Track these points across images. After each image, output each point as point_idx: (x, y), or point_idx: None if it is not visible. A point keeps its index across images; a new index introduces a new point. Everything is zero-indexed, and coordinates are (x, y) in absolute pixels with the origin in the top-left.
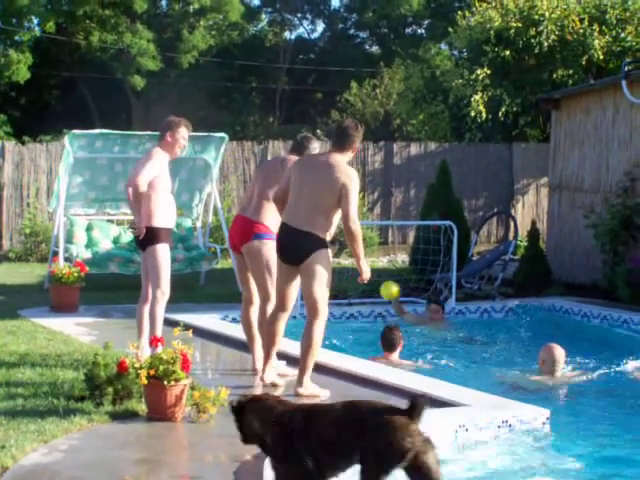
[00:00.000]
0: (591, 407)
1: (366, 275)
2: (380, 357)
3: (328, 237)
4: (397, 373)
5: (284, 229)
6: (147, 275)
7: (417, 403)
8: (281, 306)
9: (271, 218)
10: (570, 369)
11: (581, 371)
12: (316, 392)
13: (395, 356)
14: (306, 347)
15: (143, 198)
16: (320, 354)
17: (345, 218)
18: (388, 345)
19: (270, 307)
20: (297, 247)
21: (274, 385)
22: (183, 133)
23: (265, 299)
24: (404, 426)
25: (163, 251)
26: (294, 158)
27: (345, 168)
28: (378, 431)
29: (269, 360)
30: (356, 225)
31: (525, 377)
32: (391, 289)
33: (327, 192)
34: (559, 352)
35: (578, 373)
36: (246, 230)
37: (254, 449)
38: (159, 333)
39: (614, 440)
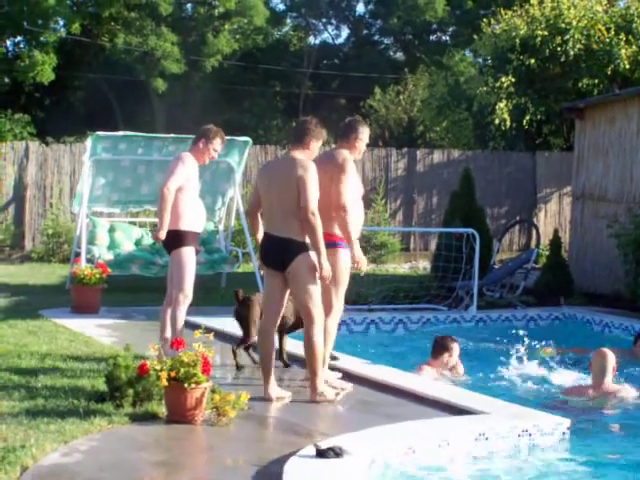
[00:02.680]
0: (613, 419)
1: (326, 273)
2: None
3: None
4: (417, 380)
5: (265, 238)
6: (172, 278)
7: None
8: (271, 319)
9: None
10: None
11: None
12: (331, 397)
13: (439, 364)
14: (310, 354)
15: (172, 201)
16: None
17: (303, 210)
18: (434, 352)
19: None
20: (278, 254)
21: (279, 398)
22: (216, 145)
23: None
24: None
25: (188, 254)
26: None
27: (300, 161)
28: None
29: (270, 375)
30: (315, 218)
31: (568, 393)
32: (546, 352)
33: (290, 192)
34: (609, 358)
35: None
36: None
37: (274, 453)
38: (180, 335)
39: (637, 454)
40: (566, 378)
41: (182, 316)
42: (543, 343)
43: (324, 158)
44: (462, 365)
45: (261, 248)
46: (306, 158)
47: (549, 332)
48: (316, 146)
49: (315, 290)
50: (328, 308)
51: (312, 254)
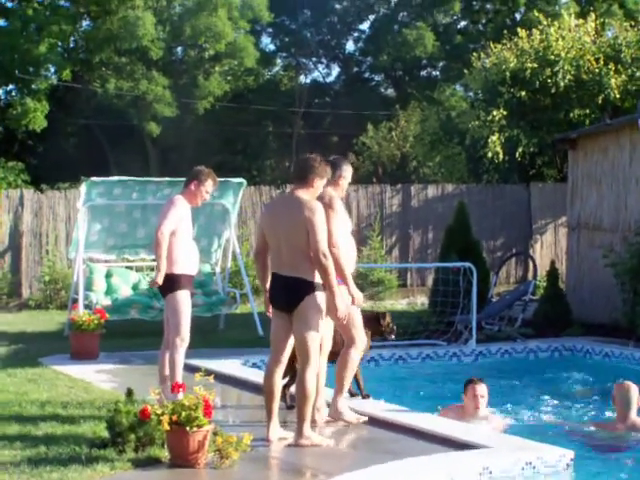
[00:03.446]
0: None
1: (341, 314)
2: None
3: (318, 279)
4: (418, 416)
5: (274, 278)
6: (168, 321)
7: None
8: (277, 359)
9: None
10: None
11: None
12: (317, 441)
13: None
14: (301, 396)
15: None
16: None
17: (314, 253)
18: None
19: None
20: (288, 295)
21: (282, 439)
22: (208, 187)
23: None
24: None
25: (183, 298)
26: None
27: (307, 202)
28: None
29: (273, 417)
30: (327, 259)
31: (595, 425)
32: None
33: (298, 233)
34: (632, 391)
35: None
36: None
37: None
38: (179, 379)
39: None
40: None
41: (181, 359)
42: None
43: None
44: (500, 417)
45: (270, 289)
46: (311, 197)
47: (549, 364)
48: (320, 184)
49: (317, 333)
50: (350, 341)
51: (320, 295)
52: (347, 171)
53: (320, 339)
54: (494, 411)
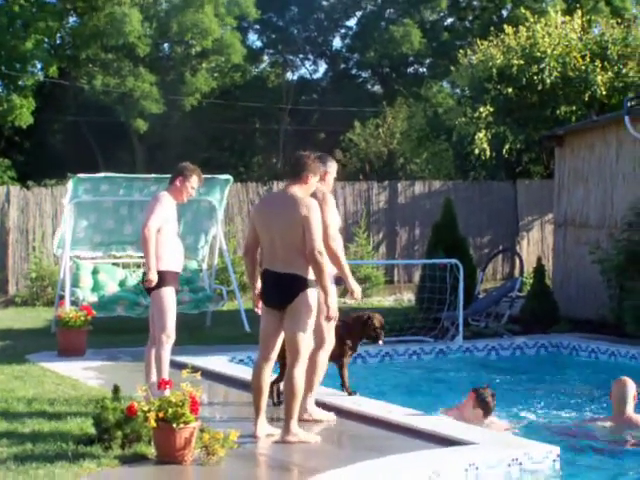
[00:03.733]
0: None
1: (333, 313)
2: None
3: (311, 275)
4: (404, 412)
5: (266, 275)
6: (154, 318)
7: None
8: (266, 356)
9: None
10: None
11: None
12: (304, 438)
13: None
14: (289, 393)
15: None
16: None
17: (310, 251)
18: (486, 409)
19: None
20: (281, 291)
21: (270, 435)
22: (194, 183)
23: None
24: None
25: (168, 295)
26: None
27: (303, 200)
28: None
29: (260, 414)
30: (322, 257)
31: (591, 421)
32: None
33: (294, 230)
34: (629, 386)
35: None
36: None
37: None
38: (166, 376)
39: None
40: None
41: (167, 356)
42: None
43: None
44: (504, 422)
45: (263, 286)
46: (306, 195)
47: (536, 360)
48: (314, 181)
49: (309, 330)
50: (320, 341)
51: (313, 292)
52: (332, 167)
53: (310, 336)
54: (497, 414)
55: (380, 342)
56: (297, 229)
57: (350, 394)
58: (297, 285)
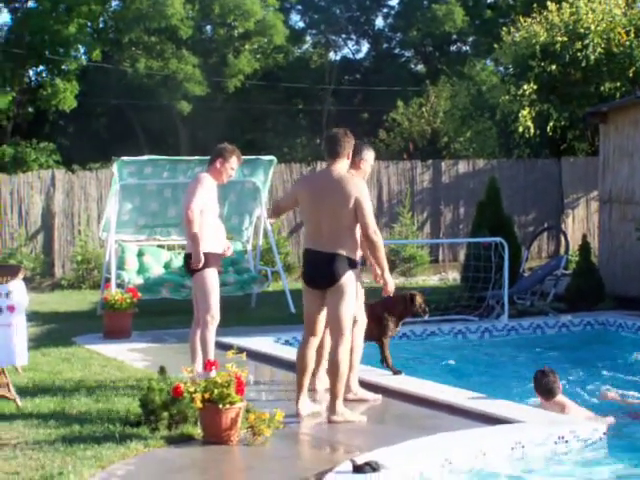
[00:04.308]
0: None
1: (390, 288)
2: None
3: (357, 256)
4: (450, 391)
5: (310, 254)
6: (197, 300)
7: None
8: (312, 333)
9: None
10: None
11: None
12: (350, 418)
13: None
14: (334, 373)
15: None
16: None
17: (365, 230)
18: (546, 392)
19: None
20: (327, 271)
21: (314, 414)
22: (233, 163)
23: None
24: None
25: (211, 276)
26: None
27: (352, 179)
28: None
29: (303, 391)
30: (377, 236)
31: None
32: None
33: (344, 209)
34: None
35: None
36: None
37: (311, 470)
38: (211, 357)
39: None
40: None
41: (212, 337)
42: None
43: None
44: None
45: (306, 266)
46: (356, 174)
47: (582, 338)
48: (349, 156)
49: (352, 310)
50: (354, 321)
51: (356, 272)
52: (368, 155)
53: (353, 316)
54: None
55: (426, 316)
56: (348, 208)
57: (395, 373)
58: (343, 266)
